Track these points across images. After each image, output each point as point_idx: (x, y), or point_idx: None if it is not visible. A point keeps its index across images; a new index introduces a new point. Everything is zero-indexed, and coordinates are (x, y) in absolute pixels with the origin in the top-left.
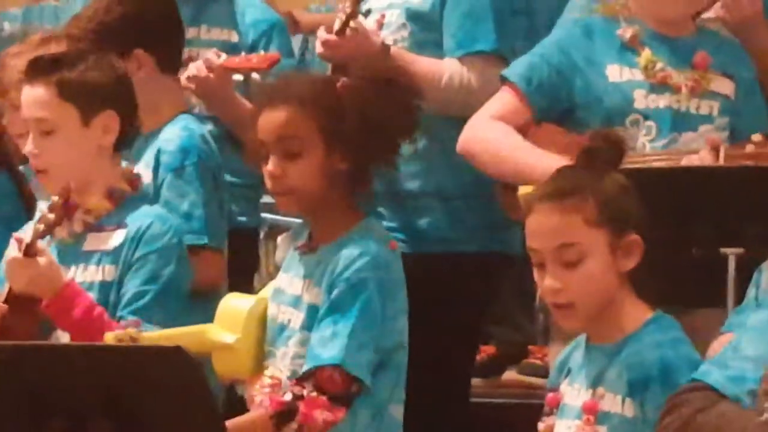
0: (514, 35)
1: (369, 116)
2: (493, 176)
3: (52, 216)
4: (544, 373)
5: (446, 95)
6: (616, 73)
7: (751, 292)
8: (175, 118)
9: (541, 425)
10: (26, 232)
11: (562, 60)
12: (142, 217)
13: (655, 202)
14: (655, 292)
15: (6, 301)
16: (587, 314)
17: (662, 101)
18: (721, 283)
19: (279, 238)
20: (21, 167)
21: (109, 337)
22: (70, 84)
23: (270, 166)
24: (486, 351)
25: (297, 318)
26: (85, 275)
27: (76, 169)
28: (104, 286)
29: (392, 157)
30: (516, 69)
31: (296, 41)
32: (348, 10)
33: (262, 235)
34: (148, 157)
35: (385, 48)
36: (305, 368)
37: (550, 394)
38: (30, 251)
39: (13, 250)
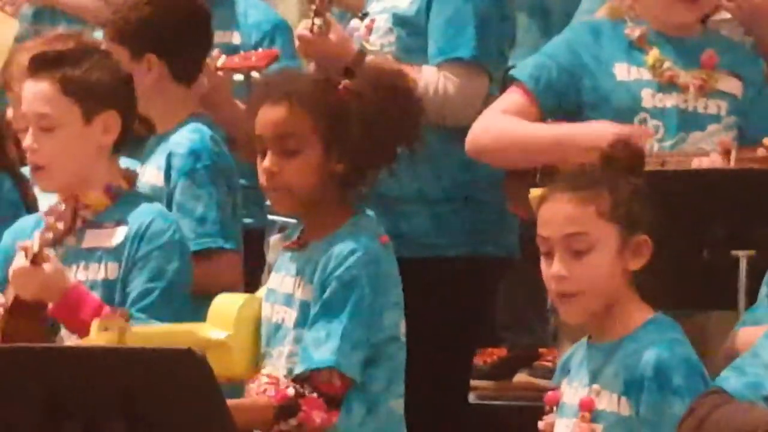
0: (501, 41)
1: (370, 121)
2: (505, 162)
3: (60, 225)
4: None
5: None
6: (624, 71)
7: (763, 290)
8: (185, 122)
9: (541, 424)
10: (33, 240)
11: (570, 60)
12: (143, 214)
13: (666, 205)
14: (667, 294)
15: (11, 308)
16: (590, 307)
17: (670, 101)
18: (733, 285)
19: (271, 240)
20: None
21: (96, 326)
22: (74, 81)
23: (266, 163)
24: (497, 353)
25: (290, 316)
26: (88, 273)
27: (74, 167)
28: (108, 285)
29: (389, 162)
30: (524, 68)
31: None
32: (314, 7)
33: (270, 236)
34: (159, 160)
35: (361, 54)
36: (300, 369)
37: (550, 393)
38: (37, 260)
39: (19, 259)
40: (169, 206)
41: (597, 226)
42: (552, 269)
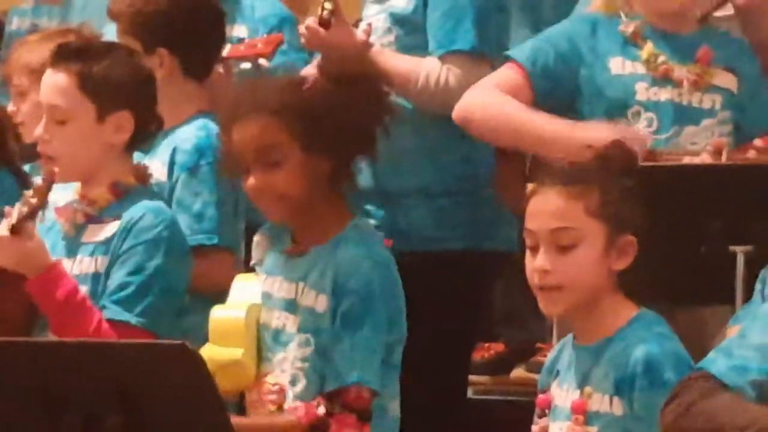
0: (499, 32)
1: (340, 112)
2: (494, 140)
3: (34, 200)
4: None
5: (423, 94)
6: (618, 65)
7: (758, 287)
8: (193, 117)
9: (534, 428)
10: (13, 211)
11: (568, 48)
12: (136, 209)
13: (665, 200)
14: (665, 288)
15: None
16: (571, 301)
17: (664, 94)
18: (730, 280)
19: (255, 239)
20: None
21: None
22: (92, 78)
23: (252, 181)
24: (495, 348)
25: (293, 322)
26: (81, 266)
27: (83, 162)
28: (96, 277)
29: (371, 147)
30: (522, 50)
31: None
32: None
33: None
34: (164, 155)
35: (366, 45)
36: (330, 386)
37: (541, 396)
38: (15, 230)
39: (1, 228)
40: (170, 201)
41: (584, 223)
42: (536, 263)
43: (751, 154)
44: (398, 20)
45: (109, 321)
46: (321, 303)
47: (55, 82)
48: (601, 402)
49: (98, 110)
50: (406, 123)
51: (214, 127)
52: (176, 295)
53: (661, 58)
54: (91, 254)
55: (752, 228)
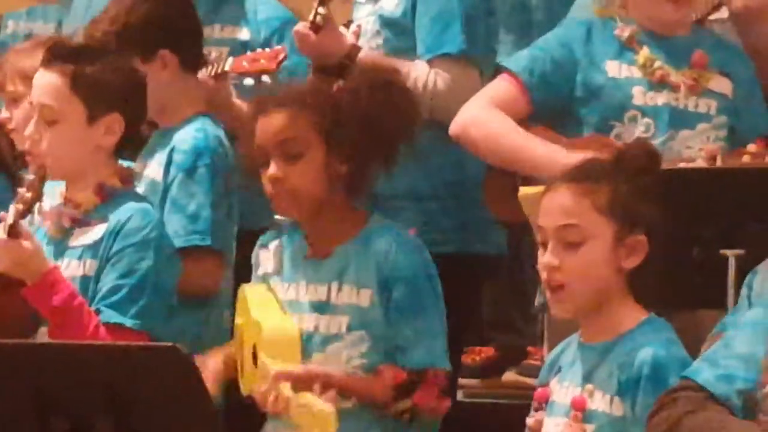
0: (489, 36)
1: (367, 119)
2: (487, 159)
3: (29, 195)
4: None
5: None
6: (615, 69)
7: (744, 292)
8: (192, 118)
9: (529, 420)
10: (9, 213)
11: (564, 54)
12: (123, 211)
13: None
14: (656, 293)
15: None
16: (579, 301)
17: (661, 98)
18: (722, 284)
19: (263, 253)
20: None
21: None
22: (85, 79)
23: (271, 170)
24: (485, 353)
25: (330, 322)
26: (69, 270)
27: (71, 163)
28: (85, 281)
29: (391, 158)
30: (518, 60)
31: None
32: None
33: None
34: (162, 154)
35: (355, 49)
36: (405, 367)
37: (539, 390)
38: (12, 232)
39: None
40: (164, 201)
41: (592, 220)
42: (543, 259)
43: (746, 158)
44: (387, 23)
45: (104, 324)
46: (364, 298)
47: (48, 81)
48: (601, 400)
49: (89, 112)
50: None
51: (212, 129)
52: (167, 295)
53: (657, 63)
54: (79, 257)
55: (744, 232)
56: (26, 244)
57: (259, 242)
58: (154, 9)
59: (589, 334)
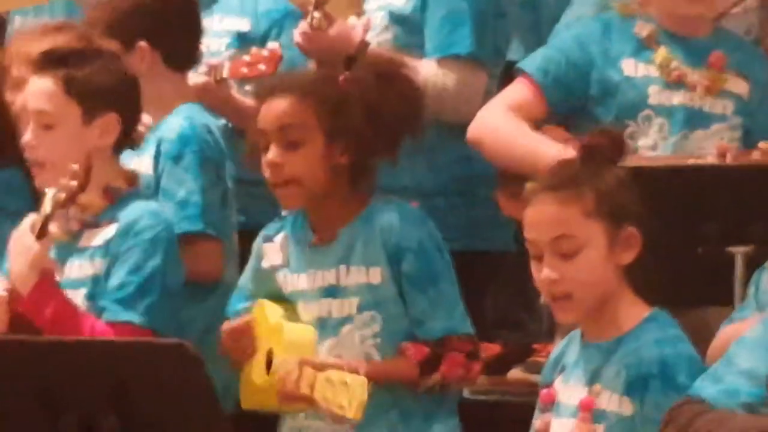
0: (498, 38)
1: (372, 111)
2: (502, 164)
3: (74, 183)
4: None
5: None
6: (631, 67)
7: (750, 289)
8: (178, 108)
9: (536, 422)
10: (43, 206)
11: (579, 54)
12: (133, 211)
13: (663, 200)
14: (663, 290)
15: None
16: (585, 307)
17: (676, 98)
18: (729, 281)
19: (269, 246)
20: None
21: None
22: (77, 81)
23: (270, 155)
24: (491, 349)
25: (341, 305)
26: (80, 271)
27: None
28: (95, 280)
29: (393, 151)
30: (532, 61)
31: None
32: (314, 0)
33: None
34: (151, 148)
35: (363, 46)
36: (425, 339)
37: (544, 391)
38: (45, 227)
39: (21, 229)
40: (156, 191)
41: (583, 226)
42: (542, 274)
43: (755, 155)
44: (396, 19)
45: (111, 321)
46: (374, 275)
47: (41, 87)
48: (609, 400)
49: (84, 113)
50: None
51: (198, 116)
52: (173, 295)
53: (674, 63)
54: (90, 258)
55: (750, 229)
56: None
57: (262, 233)
58: (144, 0)
59: (592, 333)
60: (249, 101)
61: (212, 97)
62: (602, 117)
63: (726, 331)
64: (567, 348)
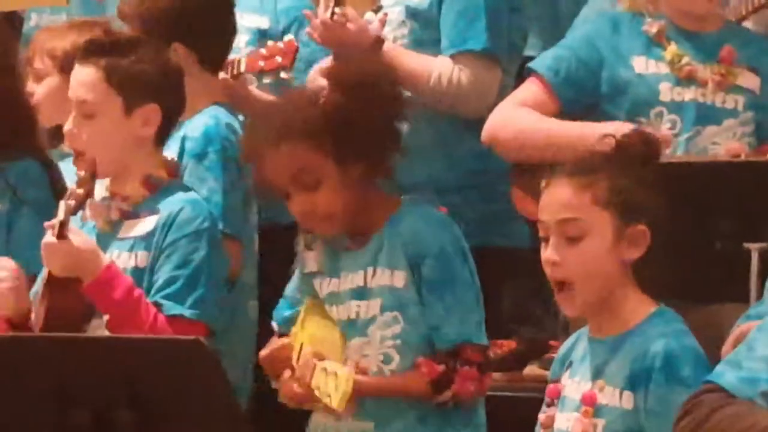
0: (512, 33)
1: (362, 117)
2: (520, 156)
3: (81, 191)
4: None
5: (434, 93)
6: (642, 65)
7: (767, 286)
8: (206, 109)
9: (541, 416)
10: (57, 211)
11: (590, 53)
12: (174, 202)
13: (678, 196)
14: (678, 286)
15: (48, 282)
16: (586, 297)
17: (687, 94)
18: (744, 277)
19: (308, 253)
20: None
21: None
22: (119, 71)
23: (297, 206)
24: (507, 346)
25: (368, 306)
26: (119, 261)
27: (112, 155)
28: (136, 272)
29: (397, 142)
30: (543, 60)
31: None
32: None
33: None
34: (176, 145)
35: (379, 42)
36: (440, 346)
37: (551, 386)
38: (63, 230)
39: (48, 236)
40: None
41: (592, 213)
42: (546, 254)
43: None
44: (413, 14)
45: (164, 316)
46: (398, 278)
47: (83, 76)
48: (611, 395)
49: (125, 103)
50: (419, 118)
51: (223, 116)
52: (220, 285)
53: (685, 59)
54: (130, 249)
55: (767, 225)
56: (78, 242)
57: (303, 242)
58: (177, 1)
59: (598, 328)
60: (268, 96)
61: (232, 94)
62: (614, 115)
63: (742, 329)
64: (575, 344)
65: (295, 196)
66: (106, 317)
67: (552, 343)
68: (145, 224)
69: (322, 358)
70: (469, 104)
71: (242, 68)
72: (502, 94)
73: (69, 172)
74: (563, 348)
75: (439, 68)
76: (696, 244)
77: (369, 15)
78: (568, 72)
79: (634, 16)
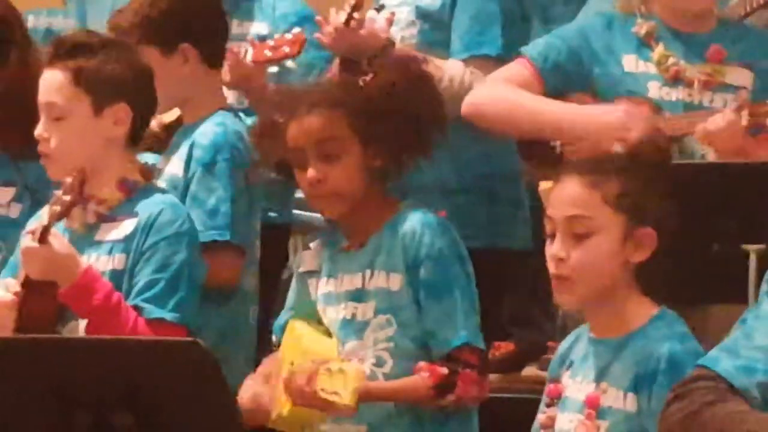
0: (521, 41)
1: (404, 111)
2: (507, 132)
3: (67, 198)
4: None
5: (445, 95)
6: (632, 63)
7: (764, 288)
8: (214, 114)
9: (541, 416)
10: (40, 217)
11: (581, 45)
12: (152, 205)
13: (678, 197)
14: (676, 287)
15: (23, 286)
16: (583, 293)
17: (675, 94)
18: (743, 278)
19: (306, 252)
20: None
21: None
22: (86, 72)
23: (311, 173)
24: (505, 348)
25: (365, 308)
26: (97, 265)
27: (82, 158)
28: (115, 275)
29: (427, 148)
30: (534, 47)
31: None
32: (353, 1)
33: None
34: (182, 150)
35: (390, 44)
36: (439, 351)
37: (551, 386)
38: (45, 235)
39: (26, 240)
40: (185, 196)
41: (600, 212)
42: (551, 250)
43: None
44: (424, 14)
45: (145, 320)
46: (394, 281)
47: (51, 79)
48: (615, 397)
49: (94, 103)
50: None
51: (232, 125)
52: (199, 288)
53: (672, 60)
54: (109, 252)
55: (765, 226)
56: (58, 247)
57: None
58: (175, 3)
59: (599, 329)
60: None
61: (247, 81)
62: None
63: None
64: (574, 344)
65: (312, 164)
66: (84, 321)
67: (550, 344)
68: (123, 227)
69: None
70: None
71: (248, 58)
72: None
73: None
74: (562, 347)
75: (450, 71)
76: (694, 246)
77: (371, 13)
78: (558, 60)
79: (626, 18)
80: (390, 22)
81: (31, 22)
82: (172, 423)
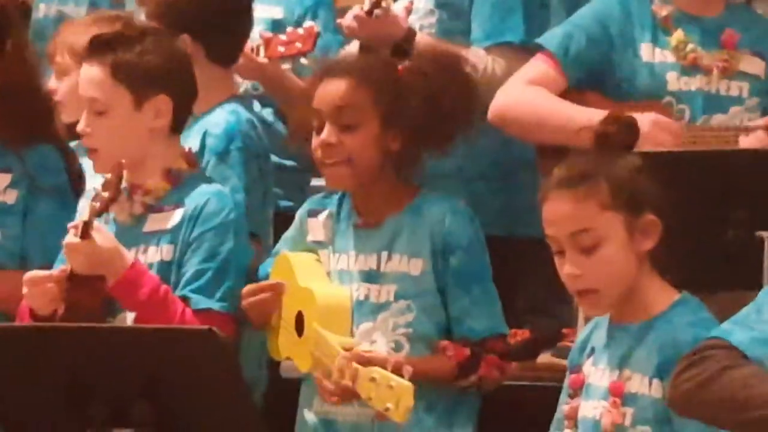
0: (542, 27)
1: (430, 102)
2: (531, 139)
3: (106, 194)
4: None
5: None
6: (649, 52)
7: None
8: (225, 102)
9: (565, 407)
10: (81, 213)
11: (599, 32)
12: (199, 195)
13: (691, 185)
14: (691, 274)
15: (68, 279)
16: (611, 300)
17: (694, 83)
18: (757, 265)
19: (312, 221)
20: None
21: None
22: (124, 66)
23: (325, 135)
24: (521, 335)
25: (380, 291)
26: (146, 257)
27: (127, 151)
28: (163, 266)
29: (447, 143)
30: (552, 38)
31: None
32: None
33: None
34: (195, 139)
35: (411, 33)
36: (463, 337)
37: (573, 375)
38: (87, 231)
39: (69, 235)
40: None
41: (600, 219)
42: (565, 270)
43: None
44: (443, 3)
45: (193, 310)
46: (415, 266)
47: (91, 74)
48: (640, 383)
49: (134, 97)
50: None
51: (244, 113)
52: (245, 277)
53: (690, 46)
54: (157, 243)
55: None
56: (102, 242)
57: (306, 207)
58: None
59: (620, 316)
60: (296, 80)
61: (263, 75)
62: (623, 101)
63: None
64: (594, 331)
65: (328, 129)
66: (133, 314)
67: (565, 331)
68: (170, 218)
69: (365, 363)
70: None
71: (261, 54)
72: None
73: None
74: (582, 334)
75: (472, 59)
76: (708, 233)
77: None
78: (578, 50)
79: (642, 1)
80: (409, 11)
81: (42, 10)
82: (188, 410)
